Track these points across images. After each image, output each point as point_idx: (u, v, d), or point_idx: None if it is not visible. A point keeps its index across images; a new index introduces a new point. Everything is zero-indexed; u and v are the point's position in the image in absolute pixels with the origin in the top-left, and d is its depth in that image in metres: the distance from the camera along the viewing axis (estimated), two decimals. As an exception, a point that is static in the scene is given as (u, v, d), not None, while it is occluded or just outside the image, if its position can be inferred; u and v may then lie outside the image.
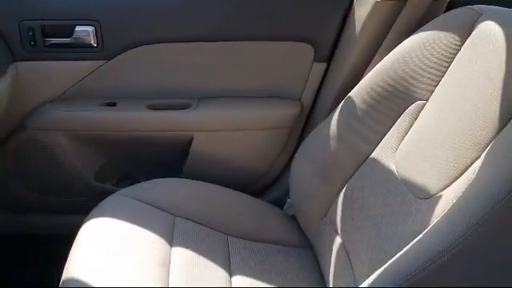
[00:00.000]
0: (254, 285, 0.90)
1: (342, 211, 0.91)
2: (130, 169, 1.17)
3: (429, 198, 0.72)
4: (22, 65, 1.05)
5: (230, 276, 0.91)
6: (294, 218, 1.11)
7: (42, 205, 1.22)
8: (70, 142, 1.12)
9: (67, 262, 0.86)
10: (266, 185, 1.21)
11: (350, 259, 0.85)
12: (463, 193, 0.62)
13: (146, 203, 0.99)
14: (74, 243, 0.90)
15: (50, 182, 1.17)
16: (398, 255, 0.63)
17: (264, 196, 1.20)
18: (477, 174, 0.63)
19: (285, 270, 0.97)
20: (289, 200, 1.15)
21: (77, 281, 0.80)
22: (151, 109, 1.10)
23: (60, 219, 1.22)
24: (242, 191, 1.11)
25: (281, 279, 0.93)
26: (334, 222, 0.93)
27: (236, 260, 0.95)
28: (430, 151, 0.75)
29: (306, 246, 1.03)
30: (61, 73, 1.08)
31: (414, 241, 0.63)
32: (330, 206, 0.95)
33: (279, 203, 1.17)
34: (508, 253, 0.58)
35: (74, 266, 0.83)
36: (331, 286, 0.88)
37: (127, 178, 1.17)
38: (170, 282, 0.84)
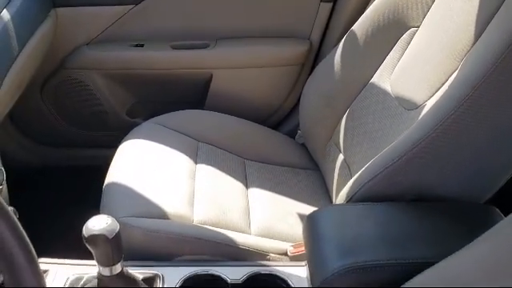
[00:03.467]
0: (267, 195, 1.04)
1: (345, 131, 1.03)
2: (158, 105, 1.31)
3: (415, 109, 0.84)
4: (60, 10, 1.18)
5: (247, 188, 1.05)
6: (303, 146, 1.24)
7: (82, 139, 1.37)
8: (103, 81, 1.26)
9: (107, 175, 1.01)
10: (281, 119, 1.33)
11: (350, 171, 0.98)
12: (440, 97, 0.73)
13: (172, 129, 1.13)
14: (113, 160, 1.05)
15: (88, 117, 1.33)
16: (382, 151, 0.76)
17: (278, 129, 1.32)
18: (451, 82, 0.74)
19: (294, 185, 1.10)
20: (299, 131, 1.28)
21: (117, 184, 0.95)
22: (174, 49, 1.23)
23: (97, 152, 1.38)
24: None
25: (290, 192, 1.07)
26: (337, 143, 1.05)
27: (251, 177, 1.09)
28: (420, 68, 0.86)
29: (314, 168, 1.17)
30: (95, 17, 1.21)
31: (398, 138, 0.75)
32: (335, 129, 1.07)
33: (291, 135, 1.30)
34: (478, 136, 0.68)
35: (114, 176, 0.99)
36: (334, 197, 1.01)
37: (155, 114, 1.31)
38: (195, 191, 0.98)
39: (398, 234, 0.65)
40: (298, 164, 1.17)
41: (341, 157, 1.03)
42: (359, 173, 0.77)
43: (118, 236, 0.65)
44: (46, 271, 0.77)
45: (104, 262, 0.66)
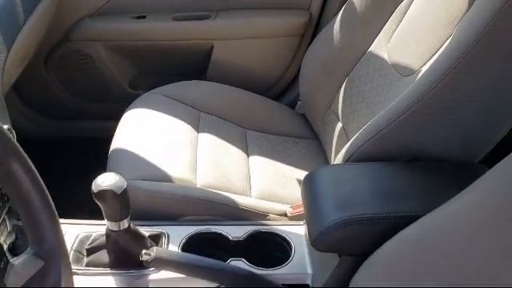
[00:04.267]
0: (267, 162, 1.07)
1: (343, 100, 1.06)
2: (159, 77, 1.33)
3: (411, 75, 0.86)
4: (63, -17, 1.20)
5: (248, 156, 1.08)
6: (303, 116, 1.26)
7: (85, 111, 1.40)
8: (106, 52, 1.28)
9: (113, 141, 1.04)
10: (281, 90, 1.36)
11: (348, 138, 1.00)
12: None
13: (174, 99, 1.16)
14: (117, 128, 1.07)
15: (91, 89, 1.35)
16: (376, 116, 0.78)
17: (279, 99, 1.35)
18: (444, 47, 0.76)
19: (293, 153, 1.13)
20: (299, 102, 1.30)
21: (122, 150, 0.98)
22: (176, 20, 1.25)
23: (100, 124, 1.40)
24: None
25: (290, 160, 1.10)
26: (336, 112, 1.08)
27: (252, 145, 1.12)
28: (416, 36, 0.88)
29: (313, 138, 1.19)
30: (97, -11, 1.23)
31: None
32: (334, 98, 1.10)
33: (292, 105, 1.33)
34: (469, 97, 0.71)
35: (119, 143, 1.02)
36: (332, 163, 1.04)
37: (157, 86, 1.33)
38: (197, 158, 1.02)
39: (391, 190, 0.68)
40: (298, 133, 1.20)
41: (339, 125, 1.06)
42: (355, 136, 0.80)
43: (125, 193, 0.68)
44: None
45: (112, 217, 0.70)
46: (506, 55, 0.66)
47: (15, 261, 0.44)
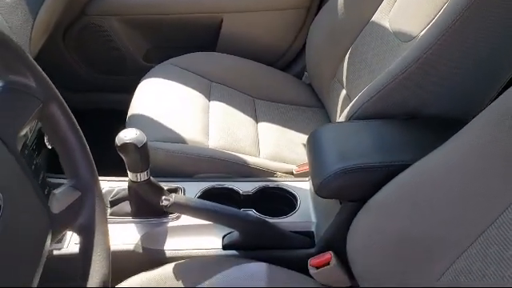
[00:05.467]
0: (275, 128, 1.13)
1: (347, 68, 1.11)
2: (172, 50, 1.38)
3: (411, 40, 0.91)
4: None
5: (256, 122, 1.14)
6: (309, 86, 1.32)
7: (101, 84, 1.47)
8: (121, 26, 1.34)
9: (130, 108, 1.10)
10: (289, 61, 1.41)
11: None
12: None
13: (187, 70, 1.22)
14: (134, 97, 1.14)
15: (107, 62, 1.41)
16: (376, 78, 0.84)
17: (286, 71, 1.40)
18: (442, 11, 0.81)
19: (300, 121, 1.19)
20: (306, 73, 1.36)
21: (139, 115, 1.05)
22: (187, -6, 1.31)
23: (116, 96, 1.47)
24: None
25: (296, 127, 1.16)
26: (340, 79, 1.13)
27: (260, 113, 1.18)
28: (416, 3, 0.93)
29: (319, 106, 1.25)
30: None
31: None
32: (338, 66, 1.15)
33: (299, 76, 1.38)
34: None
35: (136, 109, 1.08)
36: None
37: (170, 58, 1.39)
38: (209, 123, 1.08)
39: (389, 143, 0.74)
40: (305, 102, 1.25)
41: (343, 92, 1.11)
42: (357, 96, 0.85)
43: (145, 146, 0.75)
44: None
45: (133, 169, 0.77)
46: (502, 12, 0.70)
47: (56, 191, 0.51)
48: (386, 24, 1.01)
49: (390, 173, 0.68)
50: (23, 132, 0.46)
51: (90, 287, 0.50)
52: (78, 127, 0.54)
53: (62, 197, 0.50)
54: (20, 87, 0.47)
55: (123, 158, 0.75)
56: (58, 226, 0.48)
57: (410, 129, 0.78)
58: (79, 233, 0.52)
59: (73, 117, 0.53)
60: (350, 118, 0.84)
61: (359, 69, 1.06)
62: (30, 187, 0.44)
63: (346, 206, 0.73)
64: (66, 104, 0.52)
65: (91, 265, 0.50)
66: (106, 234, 0.54)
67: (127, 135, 0.74)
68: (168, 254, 0.77)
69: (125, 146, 0.73)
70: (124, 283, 0.70)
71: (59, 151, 0.52)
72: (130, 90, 1.19)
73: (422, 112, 0.80)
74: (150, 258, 0.76)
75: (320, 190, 0.72)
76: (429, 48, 0.75)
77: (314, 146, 0.78)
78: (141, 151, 0.74)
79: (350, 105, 0.86)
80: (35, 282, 0.45)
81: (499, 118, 0.56)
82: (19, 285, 0.42)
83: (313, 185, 0.74)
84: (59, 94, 0.51)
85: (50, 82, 0.50)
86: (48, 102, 0.50)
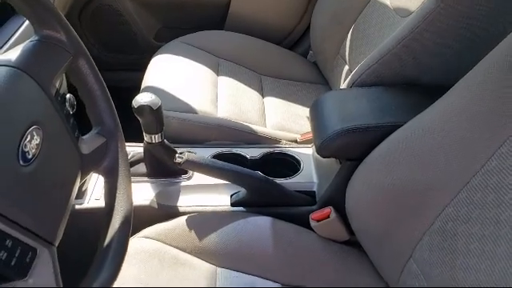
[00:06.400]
0: (281, 102, 1.19)
1: (350, 44, 1.16)
2: (181, 30, 1.44)
3: (409, 15, 0.96)
4: None
5: (263, 97, 1.20)
6: (314, 64, 1.37)
7: (115, 62, 1.53)
8: (134, 6, 1.40)
9: (143, 82, 1.16)
10: (295, 40, 1.46)
11: (354, 79, 1.11)
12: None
13: (196, 47, 1.28)
14: (146, 71, 1.20)
15: (120, 41, 1.47)
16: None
17: (292, 49, 1.45)
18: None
19: (304, 96, 1.25)
20: (311, 51, 1.41)
21: (152, 87, 1.11)
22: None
23: (128, 75, 1.53)
24: (274, 45, 1.38)
25: (301, 102, 1.22)
26: (344, 56, 1.19)
27: (267, 89, 1.24)
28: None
29: (323, 83, 1.31)
30: None
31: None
32: (341, 43, 1.20)
33: (304, 55, 1.44)
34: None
35: (149, 82, 1.14)
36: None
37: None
38: (218, 96, 1.14)
39: (386, 106, 0.79)
40: (309, 79, 1.31)
41: (346, 67, 1.16)
42: (357, 67, 0.91)
43: (159, 109, 0.81)
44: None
45: (149, 131, 0.83)
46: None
47: (84, 137, 0.57)
48: (387, 1, 1.06)
49: (385, 133, 0.74)
50: (56, 81, 0.52)
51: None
52: (103, 81, 0.60)
53: (89, 141, 0.56)
54: (53, 41, 0.53)
55: (140, 119, 0.81)
56: (86, 166, 0.55)
57: (406, 94, 0.83)
58: (104, 174, 0.58)
59: (98, 72, 0.59)
60: (351, 86, 0.89)
61: (361, 45, 1.11)
62: (63, 128, 0.50)
63: (345, 166, 0.79)
64: (92, 59, 0.58)
65: (115, 202, 0.56)
66: (127, 176, 0.60)
67: (143, 98, 0.80)
68: (180, 209, 0.83)
69: (141, 108, 0.79)
70: (141, 232, 0.76)
71: (86, 101, 0.58)
72: (141, 69, 1.24)
73: (418, 81, 0.86)
74: (163, 212, 0.83)
75: (321, 150, 0.77)
76: (422, 21, 0.80)
77: (316, 111, 0.84)
78: (156, 113, 0.80)
79: (351, 74, 0.91)
80: (66, 217, 0.50)
81: (482, 78, 0.62)
82: (52, 214, 0.48)
83: (315, 146, 0.80)
84: (86, 49, 0.57)
85: (78, 38, 0.56)
86: (77, 55, 0.55)
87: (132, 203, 0.59)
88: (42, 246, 0.43)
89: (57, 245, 0.46)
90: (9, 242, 0.39)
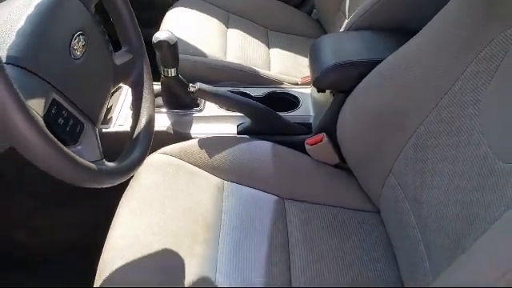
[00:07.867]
0: (285, 54, 1.29)
1: (350, 0, 1.26)
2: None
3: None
4: None
5: (269, 48, 1.30)
6: (318, 21, 1.47)
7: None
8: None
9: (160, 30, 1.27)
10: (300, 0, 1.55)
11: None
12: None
13: (208, 2, 1.38)
14: (162, 23, 1.30)
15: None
16: None
17: (298, 8, 1.54)
18: None
19: (306, 48, 1.33)
20: (315, 10, 1.50)
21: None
22: None
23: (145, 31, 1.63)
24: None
25: (304, 53, 1.30)
26: (344, 12, 1.27)
27: (272, 42, 1.34)
28: None
29: (326, 38, 1.41)
30: None
31: None
32: (343, 0, 1.29)
33: (309, 13, 1.53)
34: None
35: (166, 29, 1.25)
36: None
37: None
38: (227, 44, 1.24)
39: (376, 45, 0.90)
40: (313, 34, 1.40)
41: (346, 21, 1.26)
42: (352, 14, 1.00)
43: (176, 45, 0.92)
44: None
45: (166, 64, 0.94)
46: None
47: (115, 52, 0.68)
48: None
49: (372, 67, 0.84)
50: (94, 2, 0.63)
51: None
52: (131, 9, 0.71)
53: (119, 56, 0.68)
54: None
55: (158, 54, 0.92)
56: (117, 77, 0.66)
57: (394, 37, 0.93)
58: (132, 86, 0.69)
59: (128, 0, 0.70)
60: (348, 30, 0.99)
61: (360, 1, 1.21)
62: (101, 39, 0.62)
63: (337, 98, 0.90)
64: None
65: (141, 109, 0.67)
66: (151, 89, 0.71)
67: (162, 35, 0.91)
68: (193, 136, 0.95)
69: (160, 43, 0.90)
70: (159, 150, 0.88)
71: (116, 24, 0.69)
72: (157, 25, 1.34)
73: (407, 26, 0.95)
74: (178, 137, 0.94)
75: (317, 83, 0.88)
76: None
77: (314, 50, 0.94)
78: (172, 48, 0.91)
79: (347, 20, 1.01)
80: (105, 107, 0.61)
81: (450, 16, 0.72)
82: (96, 101, 0.59)
83: (311, 79, 0.90)
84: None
85: None
86: (109, -14, 0.66)
87: (154, 109, 0.70)
88: (87, 123, 0.54)
89: (98, 126, 0.57)
90: (65, 113, 0.50)
